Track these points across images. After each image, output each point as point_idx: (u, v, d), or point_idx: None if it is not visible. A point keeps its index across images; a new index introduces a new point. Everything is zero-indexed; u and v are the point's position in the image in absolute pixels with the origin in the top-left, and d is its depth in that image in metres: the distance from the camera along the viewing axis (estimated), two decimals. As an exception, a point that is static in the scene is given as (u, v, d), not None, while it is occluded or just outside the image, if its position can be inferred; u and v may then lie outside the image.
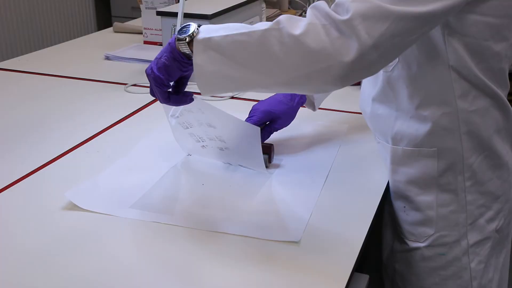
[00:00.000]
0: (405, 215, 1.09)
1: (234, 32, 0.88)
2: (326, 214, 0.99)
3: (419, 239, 1.08)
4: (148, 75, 0.94)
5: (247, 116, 1.19)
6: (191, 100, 0.99)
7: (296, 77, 0.86)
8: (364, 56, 0.81)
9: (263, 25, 0.86)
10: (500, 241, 1.10)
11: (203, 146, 1.13)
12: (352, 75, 0.85)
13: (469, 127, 1.00)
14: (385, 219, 1.19)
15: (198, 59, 0.90)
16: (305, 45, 0.83)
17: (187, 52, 0.91)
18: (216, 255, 0.89)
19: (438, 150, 1.02)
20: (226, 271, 0.86)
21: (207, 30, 0.90)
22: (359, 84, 1.64)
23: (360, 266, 0.92)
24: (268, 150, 1.14)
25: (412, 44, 0.88)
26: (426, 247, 1.08)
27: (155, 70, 0.93)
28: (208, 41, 0.89)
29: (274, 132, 1.21)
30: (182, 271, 0.85)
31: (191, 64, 0.93)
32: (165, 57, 0.93)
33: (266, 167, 1.12)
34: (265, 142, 1.16)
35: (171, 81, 0.95)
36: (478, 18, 0.92)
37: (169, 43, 0.93)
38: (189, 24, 0.92)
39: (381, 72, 1.03)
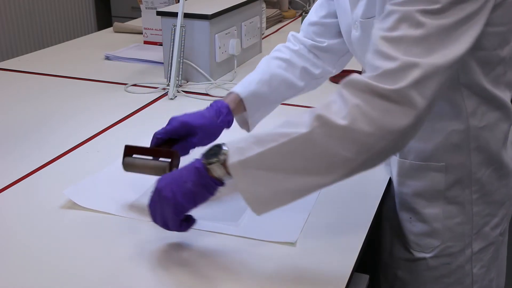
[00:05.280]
0: (411, 226, 1.09)
1: (272, 145, 0.79)
2: (326, 214, 0.99)
3: (425, 250, 1.08)
4: (166, 199, 0.84)
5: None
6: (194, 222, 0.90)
7: (359, 165, 0.80)
8: (422, 117, 0.78)
9: (300, 126, 0.79)
10: (503, 242, 1.11)
11: None
12: (410, 137, 0.81)
13: (479, 143, 0.99)
14: (383, 224, 1.19)
15: (241, 185, 0.81)
16: (358, 132, 0.76)
17: (221, 176, 0.83)
18: (216, 255, 0.89)
19: (447, 165, 1.01)
20: (225, 271, 0.86)
21: (238, 150, 0.81)
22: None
23: (360, 266, 0.92)
24: (170, 155, 0.98)
25: None
26: (431, 257, 1.08)
27: (179, 197, 0.84)
28: (244, 163, 0.80)
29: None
30: (179, 270, 0.85)
31: (217, 189, 0.86)
32: (192, 183, 0.84)
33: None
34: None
35: (194, 208, 0.87)
36: (489, 30, 0.89)
37: (196, 168, 0.84)
38: (215, 146, 0.84)
39: None
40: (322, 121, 0.78)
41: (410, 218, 1.08)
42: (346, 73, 1.75)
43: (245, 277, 0.84)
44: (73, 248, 0.90)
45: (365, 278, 0.98)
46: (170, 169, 0.97)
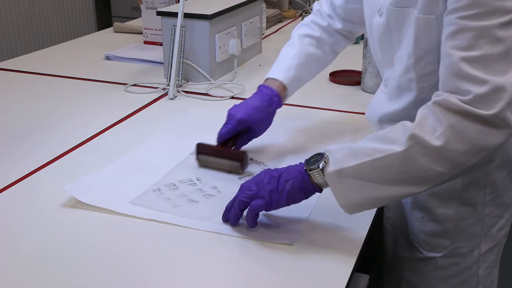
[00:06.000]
0: (422, 225, 1.09)
1: (367, 159, 0.85)
2: (327, 214, 0.99)
3: (435, 249, 1.09)
4: (263, 191, 0.90)
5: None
6: None
7: (450, 178, 0.84)
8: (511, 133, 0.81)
9: (394, 143, 0.83)
10: (504, 244, 1.11)
11: (175, 206, 1.02)
12: (500, 150, 0.83)
13: None
14: (385, 224, 1.19)
15: (337, 192, 0.88)
16: (453, 151, 0.80)
17: (321, 182, 0.89)
18: (215, 255, 0.89)
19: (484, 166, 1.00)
20: (225, 271, 0.86)
21: (335, 161, 0.87)
22: (358, 83, 1.64)
23: (360, 266, 0.92)
24: (240, 157, 1.12)
25: None
26: (441, 257, 1.08)
27: (276, 195, 0.90)
28: (340, 172, 0.86)
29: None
30: (179, 270, 0.85)
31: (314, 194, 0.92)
32: (292, 184, 0.90)
33: (239, 174, 1.12)
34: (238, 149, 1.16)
35: (282, 207, 0.93)
36: None
37: (300, 172, 0.91)
38: (317, 154, 0.90)
39: (409, 90, 1.01)
40: (417, 141, 0.81)
41: (422, 217, 1.08)
42: (345, 72, 1.76)
43: (245, 277, 0.85)
44: (74, 248, 0.90)
45: (365, 278, 0.98)
46: (242, 169, 1.12)
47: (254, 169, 1.14)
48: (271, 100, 1.16)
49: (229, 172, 1.13)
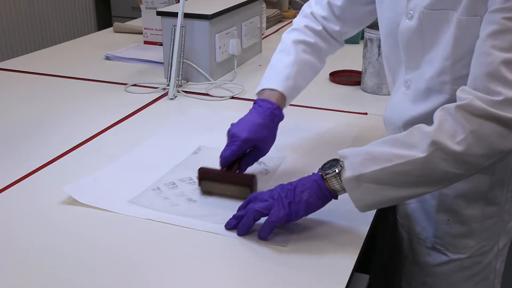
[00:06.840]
0: (448, 228, 1.09)
1: (387, 165, 0.86)
2: (327, 214, 0.99)
3: (461, 251, 1.09)
4: (282, 203, 0.90)
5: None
6: None
7: (464, 177, 0.87)
8: None
9: (414, 148, 0.85)
10: None
11: (173, 205, 1.02)
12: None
13: None
14: (399, 231, 1.18)
15: (354, 196, 0.90)
16: (472, 155, 0.82)
17: (337, 187, 0.90)
18: (212, 255, 0.89)
19: (494, 166, 1.00)
20: (223, 271, 0.86)
21: (353, 166, 0.88)
22: (358, 83, 1.64)
23: (360, 266, 0.92)
24: (250, 182, 1.02)
25: None
26: (467, 258, 1.09)
27: (295, 207, 0.90)
28: (358, 178, 0.88)
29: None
30: (178, 269, 0.85)
31: (330, 198, 0.92)
32: (309, 194, 0.91)
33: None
34: (245, 173, 1.07)
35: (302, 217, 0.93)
36: None
37: (315, 180, 0.91)
38: (332, 160, 0.91)
39: (439, 92, 0.99)
40: (438, 147, 0.83)
41: (448, 219, 1.08)
42: (345, 72, 1.76)
43: (243, 277, 0.85)
44: (74, 248, 0.90)
45: (365, 278, 0.98)
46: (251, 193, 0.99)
47: (254, 169, 1.14)
48: (272, 114, 1.08)
49: (238, 197, 1.01)
